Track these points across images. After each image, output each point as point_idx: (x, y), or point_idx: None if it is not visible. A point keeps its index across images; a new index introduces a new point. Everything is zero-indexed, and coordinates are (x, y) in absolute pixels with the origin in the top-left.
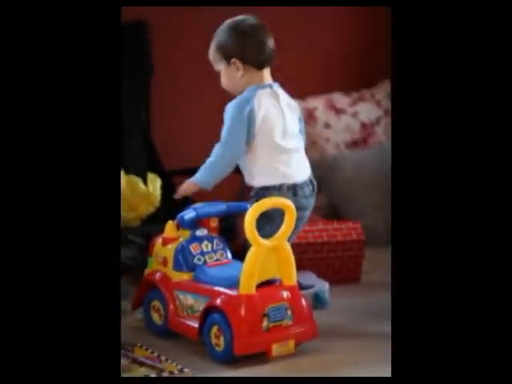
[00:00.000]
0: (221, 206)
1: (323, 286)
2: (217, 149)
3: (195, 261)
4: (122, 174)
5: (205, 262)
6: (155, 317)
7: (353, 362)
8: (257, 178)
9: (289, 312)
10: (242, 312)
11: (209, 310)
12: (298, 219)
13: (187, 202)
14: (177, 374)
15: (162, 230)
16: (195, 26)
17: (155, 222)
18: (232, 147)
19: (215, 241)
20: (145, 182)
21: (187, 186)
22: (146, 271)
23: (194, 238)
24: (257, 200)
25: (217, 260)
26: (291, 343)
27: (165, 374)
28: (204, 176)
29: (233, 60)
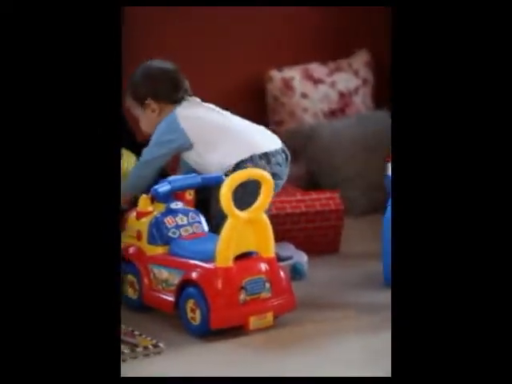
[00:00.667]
0: (196, 179)
1: (301, 257)
2: (142, 165)
3: (170, 234)
4: (130, 153)
5: (180, 235)
6: (130, 291)
7: (334, 333)
8: (226, 161)
9: (267, 284)
10: (219, 285)
11: (184, 284)
12: (275, 187)
13: (163, 175)
14: (151, 348)
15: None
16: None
17: None
18: (152, 168)
19: (190, 214)
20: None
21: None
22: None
23: (169, 212)
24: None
25: (192, 233)
26: (270, 316)
27: (139, 349)
28: (131, 185)
29: (147, 102)
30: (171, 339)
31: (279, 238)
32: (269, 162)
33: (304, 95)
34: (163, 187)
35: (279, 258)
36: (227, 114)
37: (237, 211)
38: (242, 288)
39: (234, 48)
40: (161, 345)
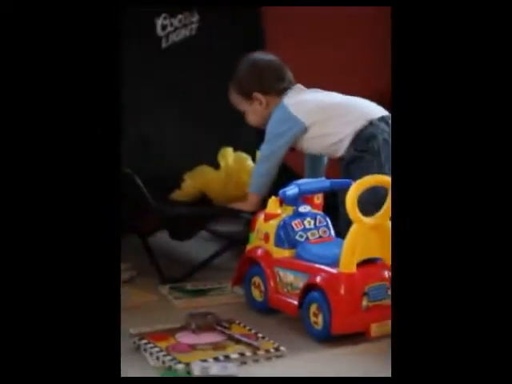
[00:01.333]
0: (324, 183)
1: None
2: (264, 161)
3: (297, 237)
4: (231, 150)
5: (307, 238)
6: (256, 293)
7: None
8: (345, 130)
9: (389, 291)
10: (342, 290)
11: (308, 288)
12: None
13: (292, 177)
14: (273, 352)
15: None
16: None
17: (264, 198)
18: (276, 160)
19: (318, 217)
20: (254, 159)
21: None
22: (248, 247)
23: (297, 215)
24: (366, 150)
25: (319, 237)
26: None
27: (260, 352)
28: (257, 187)
29: (254, 95)
30: (294, 343)
31: None
32: (387, 125)
33: None
34: (292, 190)
35: None
36: (332, 93)
37: (362, 217)
38: (365, 294)
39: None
40: (282, 348)
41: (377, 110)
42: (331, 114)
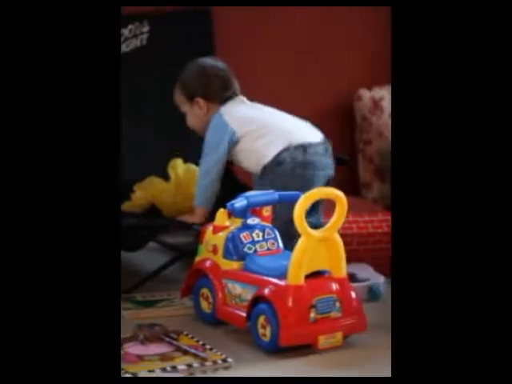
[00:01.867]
0: (273, 195)
1: (378, 278)
2: (206, 173)
3: (245, 249)
4: (181, 162)
5: (255, 251)
6: (204, 305)
7: None
8: (266, 153)
9: (337, 304)
10: (289, 303)
11: (256, 300)
12: (313, 177)
13: (240, 189)
14: (220, 363)
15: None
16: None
17: (213, 210)
18: (217, 170)
19: (267, 230)
20: None
21: (193, 216)
22: (196, 259)
23: (245, 227)
24: (273, 173)
25: (268, 249)
26: (339, 335)
27: (208, 363)
28: (203, 200)
29: (196, 99)
30: (241, 354)
31: (359, 258)
32: (305, 152)
33: None
34: (240, 202)
35: (356, 279)
36: (270, 109)
37: (310, 229)
38: (313, 306)
39: (324, 67)
40: (230, 360)
41: (304, 135)
42: (259, 133)
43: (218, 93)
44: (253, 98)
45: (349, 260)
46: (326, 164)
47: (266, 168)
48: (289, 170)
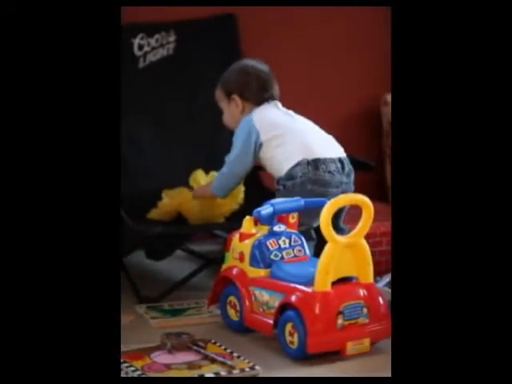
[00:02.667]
0: (299, 202)
1: None
2: (228, 164)
3: (272, 257)
4: (202, 172)
5: (282, 258)
6: (231, 313)
7: None
8: (283, 166)
9: (365, 310)
10: (317, 309)
11: (284, 307)
12: (324, 194)
13: (267, 196)
14: (248, 370)
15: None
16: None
17: (239, 217)
18: (240, 166)
19: (293, 237)
20: None
21: (203, 191)
22: (223, 266)
23: (272, 234)
24: (284, 186)
25: (294, 256)
26: (366, 342)
27: (235, 372)
28: (217, 186)
29: (233, 96)
30: (269, 362)
31: None
32: (316, 169)
33: None
34: (266, 210)
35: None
36: (300, 118)
37: (336, 235)
38: (340, 313)
39: (350, 71)
40: (257, 367)
41: (320, 150)
42: (280, 140)
43: (255, 93)
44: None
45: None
46: (341, 182)
47: (279, 181)
48: (299, 185)
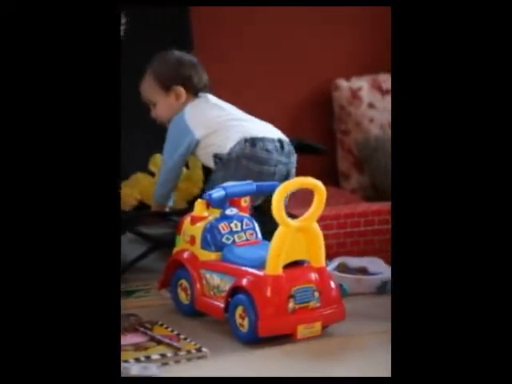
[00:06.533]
0: (251, 185)
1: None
2: (162, 173)
3: (224, 240)
4: (161, 156)
5: (233, 241)
6: (182, 296)
7: (375, 346)
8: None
9: (316, 294)
10: (268, 293)
11: (235, 290)
12: (260, 172)
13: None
14: (194, 353)
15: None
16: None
17: None
18: (173, 172)
19: (245, 220)
20: (187, 165)
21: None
22: (174, 250)
23: (224, 218)
24: (220, 160)
25: (246, 240)
26: (318, 325)
27: (182, 353)
28: (157, 196)
29: (174, 88)
30: (218, 345)
31: None
32: (253, 146)
33: (371, 105)
34: (218, 193)
35: (368, 273)
36: (232, 109)
37: (288, 219)
38: (291, 296)
39: (301, 56)
40: (204, 349)
41: (257, 131)
42: (217, 133)
43: (196, 84)
44: (230, 87)
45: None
46: (279, 161)
47: (216, 156)
48: (234, 160)
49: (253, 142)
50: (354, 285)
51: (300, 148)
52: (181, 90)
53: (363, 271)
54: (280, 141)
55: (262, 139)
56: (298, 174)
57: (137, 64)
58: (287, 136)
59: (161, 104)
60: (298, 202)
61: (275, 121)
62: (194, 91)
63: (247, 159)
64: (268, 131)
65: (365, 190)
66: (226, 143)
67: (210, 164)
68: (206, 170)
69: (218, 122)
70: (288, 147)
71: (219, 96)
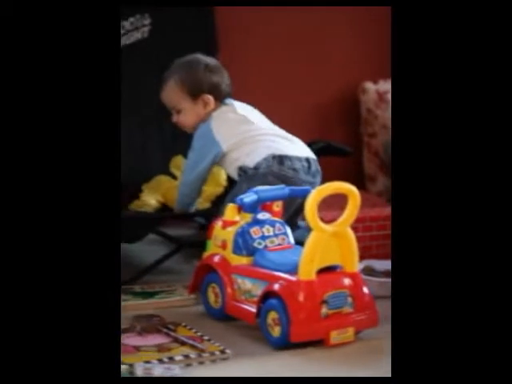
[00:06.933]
0: (283, 190)
1: None
2: (186, 184)
3: (255, 245)
4: (182, 158)
5: (265, 246)
6: (213, 300)
7: None
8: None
9: (349, 299)
10: (300, 298)
11: (267, 295)
12: None
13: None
14: (218, 354)
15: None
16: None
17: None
18: (197, 183)
19: (277, 225)
20: None
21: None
22: (205, 254)
23: (255, 222)
24: (245, 172)
25: (278, 245)
26: (351, 331)
27: (205, 354)
28: (180, 204)
29: (203, 96)
30: (246, 348)
31: None
32: (281, 164)
33: None
34: (250, 197)
35: (376, 273)
36: (259, 118)
37: (322, 224)
38: (324, 302)
39: (329, 59)
40: (228, 351)
41: (285, 149)
42: (246, 143)
43: (222, 90)
44: (257, 88)
45: None
46: (305, 181)
47: (241, 169)
48: (260, 175)
49: (281, 159)
50: (380, 288)
51: (327, 150)
52: (209, 98)
53: (389, 274)
54: (307, 160)
55: (290, 158)
56: (325, 176)
57: (161, 64)
58: (314, 138)
59: (187, 112)
60: (325, 205)
61: (302, 123)
62: (220, 98)
63: (274, 176)
64: (296, 149)
65: (391, 193)
66: (253, 157)
67: (234, 175)
68: (229, 180)
69: (246, 137)
70: (315, 167)
71: (247, 99)
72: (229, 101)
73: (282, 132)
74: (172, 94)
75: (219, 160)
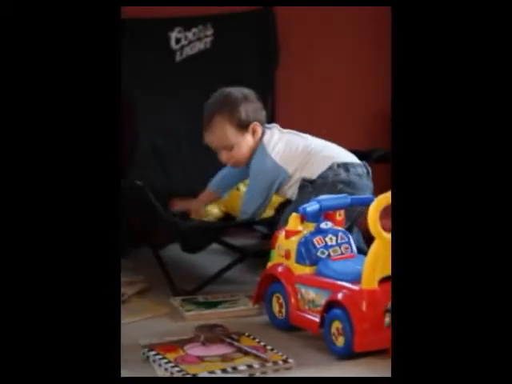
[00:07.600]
0: (345, 199)
1: None
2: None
3: (319, 254)
4: None
5: (328, 255)
6: (277, 310)
7: None
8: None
9: None
10: (364, 307)
11: (330, 305)
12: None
13: None
14: (281, 364)
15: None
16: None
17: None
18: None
19: (340, 234)
20: None
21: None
22: (269, 264)
23: (318, 231)
24: (312, 183)
25: (341, 254)
26: None
27: (268, 364)
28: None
29: (251, 125)
30: (310, 358)
31: None
32: (347, 171)
33: None
34: (312, 207)
35: None
36: (305, 136)
37: (384, 233)
38: (388, 311)
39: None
40: (290, 361)
41: (345, 156)
42: (307, 160)
43: (263, 116)
44: (317, 96)
45: None
46: (366, 186)
47: (305, 180)
48: (329, 184)
49: (346, 167)
50: None
51: (385, 158)
52: (257, 124)
53: None
54: (365, 165)
55: (353, 164)
56: (381, 184)
57: (223, 74)
58: (374, 146)
59: (240, 145)
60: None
61: (361, 131)
62: (263, 124)
63: (343, 184)
64: (349, 156)
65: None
66: (316, 168)
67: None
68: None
69: (306, 153)
70: (370, 172)
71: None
72: (269, 125)
73: (329, 143)
74: (221, 132)
75: (285, 186)
